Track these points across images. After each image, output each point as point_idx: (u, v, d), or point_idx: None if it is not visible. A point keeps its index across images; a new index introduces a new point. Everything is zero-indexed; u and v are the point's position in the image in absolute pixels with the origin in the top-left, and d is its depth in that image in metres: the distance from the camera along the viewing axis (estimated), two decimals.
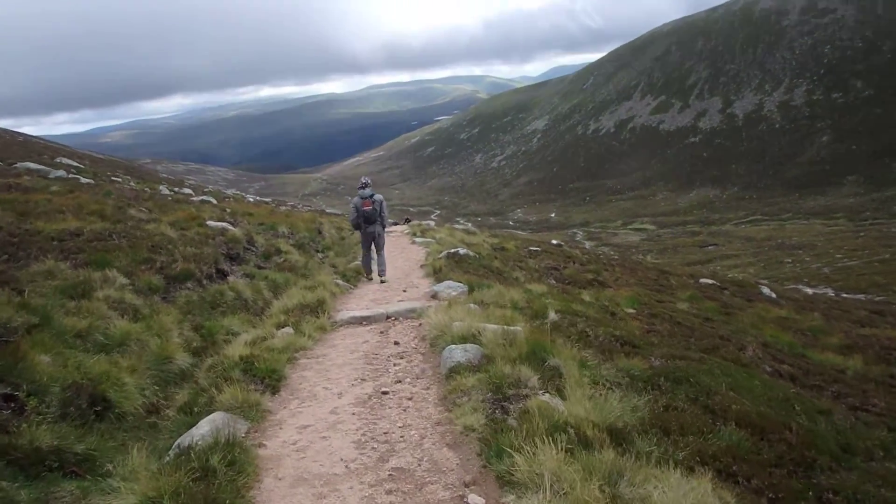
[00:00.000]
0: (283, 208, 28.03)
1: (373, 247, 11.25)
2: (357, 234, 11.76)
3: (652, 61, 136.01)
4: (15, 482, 3.48)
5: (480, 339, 6.02)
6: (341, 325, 7.50)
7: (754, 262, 46.21)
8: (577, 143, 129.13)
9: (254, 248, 10.63)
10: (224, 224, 10.99)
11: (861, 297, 27.97)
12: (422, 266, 12.41)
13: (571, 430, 4.33)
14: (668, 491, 3.69)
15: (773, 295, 18.31)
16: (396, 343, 6.66)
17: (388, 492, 3.61)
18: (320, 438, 4.29)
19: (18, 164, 17.51)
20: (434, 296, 8.84)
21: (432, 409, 4.81)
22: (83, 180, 15.92)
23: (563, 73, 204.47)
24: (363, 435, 4.35)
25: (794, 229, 62.45)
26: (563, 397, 5.03)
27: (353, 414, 4.71)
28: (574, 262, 16.64)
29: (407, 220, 33.06)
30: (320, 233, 15.12)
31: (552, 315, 8.27)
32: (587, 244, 58.93)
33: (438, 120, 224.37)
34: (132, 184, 19.48)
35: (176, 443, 3.96)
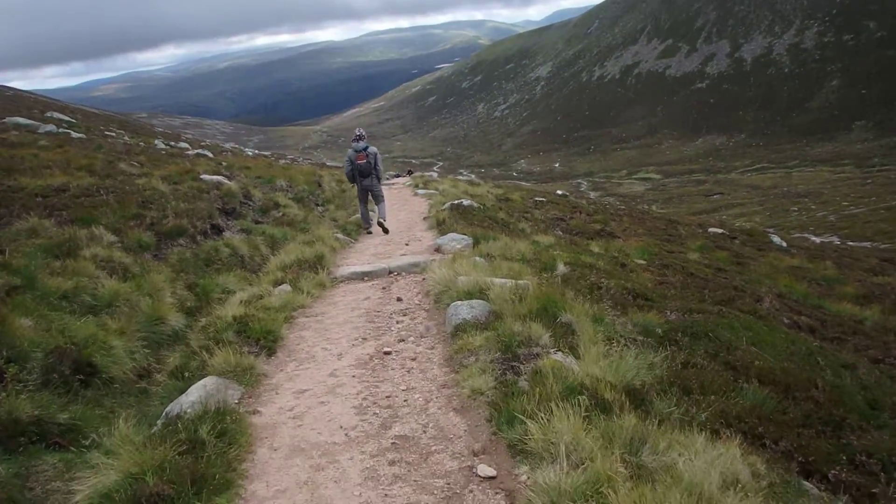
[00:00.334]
0: (282, 162, 27.47)
1: (371, 200, 11.19)
2: (355, 187, 11.63)
3: (659, 3, 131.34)
4: None
5: (487, 294, 5.68)
6: (342, 281, 7.18)
7: (760, 211, 45.64)
8: (581, 91, 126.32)
9: (250, 203, 10.24)
10: (219, 178, 10.56)
11: (867, 244, 27.58)
12: (425, 218, 12.03)
13: (587, 393, 4.04)
14: (695, 458, 3.40)
15: (784, 244, 17.93)
16: (399, 299, 6.35)
17: (391, 462, 3.33)
18: (319, 404, 4.00)
19: (7, 120, 16.94)
20: (438, 249, 8.48)
21: (437, 370, 4.52)
22: (74, 135, 15.41)
23: (566, 17, 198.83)
24: (364, 399, 4.06)
25: (801, 177, 61.53)
26: (576, 356, 4.73)
27: (354, 377, 4.41)
28: (580, 213, 16.22)
29: (409, 172, 32.47)
30: (320, 186, 14.69)
31: (561, 267, 7.93)
32: (592, 194, 58.28)
33: (439, 68, 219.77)
34: (126, 138, 18.96)
35: (165, 411, 3.68)
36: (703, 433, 3.82)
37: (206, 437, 3.25)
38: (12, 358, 3.99)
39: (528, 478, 3.14)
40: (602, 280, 7.63)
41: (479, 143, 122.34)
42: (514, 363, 4.54)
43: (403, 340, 5.16)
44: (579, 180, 76.18)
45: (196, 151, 17.27)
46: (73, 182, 7.38)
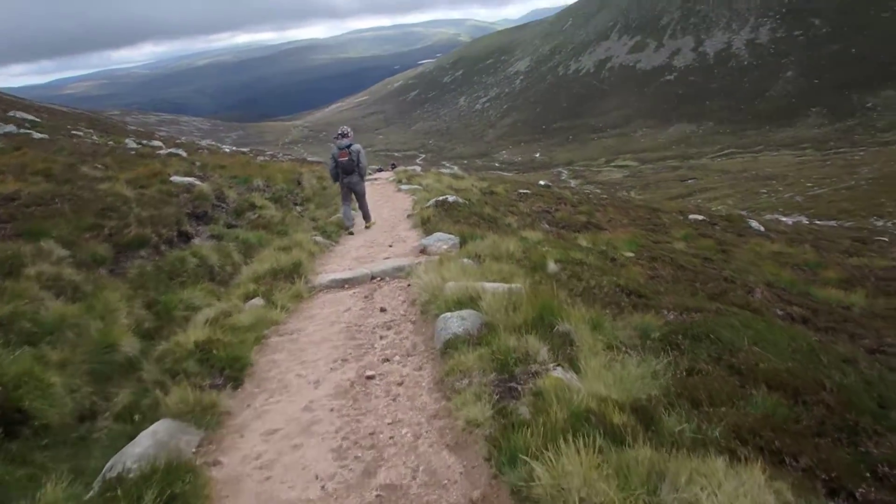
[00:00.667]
0: (260, 159, 26.45)
1: (353, 198, 10.70)
2: (337, 184, 11.08)
3: (628, 2, 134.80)
4: None
5: (478, 302, 5.04)
6: (320, 290, 6.48)
7: (732, 194, 45.79)
8: (558, 84, 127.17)
9: (224, 205, 9.47)
10: (191, 179, 9.76)
11: (833, 223, 27.57)
12: (409, 216, 11.32)
13: (595, 418, 3.47)
14: (718, 492, 2.86)
15: (762, 228, 17.58)
16: (383, 310, 5.68)
17: None
18: (291, 448, 3.33)
19: None
20: (423, 250, 7.80)
21: (427, 396, 3.88)
22: (36, 136, 14.35)
23: (542, 16, 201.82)
24: (344, 439, 3.41)
25: (767, 161, 62.10)
26: (577, 370, 4.15)
27: (332, 410, 3.74)
28: (565, 204, 15.65)
29: (393, 166, 31.56)
30: (300, 184, 13.89)
31: (552, 266, 7.33)
32: (573, 182, 58.06)
33: (421, 64, 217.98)
34: (94, 138, 17.85)
35: (106, 466, 3.02)
36: (722, 456, 3.29)
37: None
38: None
39: None
40: (594, 278, 7.06)
41: (462, 134, 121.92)
42: (512, 384, 3.93)
43: (388, 360, 4.51)
44: (560, 169, 76.10)
45: (169, 150, 16.27)
46: (26, 189, 6.56)
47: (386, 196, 15.14)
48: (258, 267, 6.67)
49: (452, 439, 3.39)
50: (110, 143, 16.29)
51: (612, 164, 76.34)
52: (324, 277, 6.79)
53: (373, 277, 6.79)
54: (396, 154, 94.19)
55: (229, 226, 8.62)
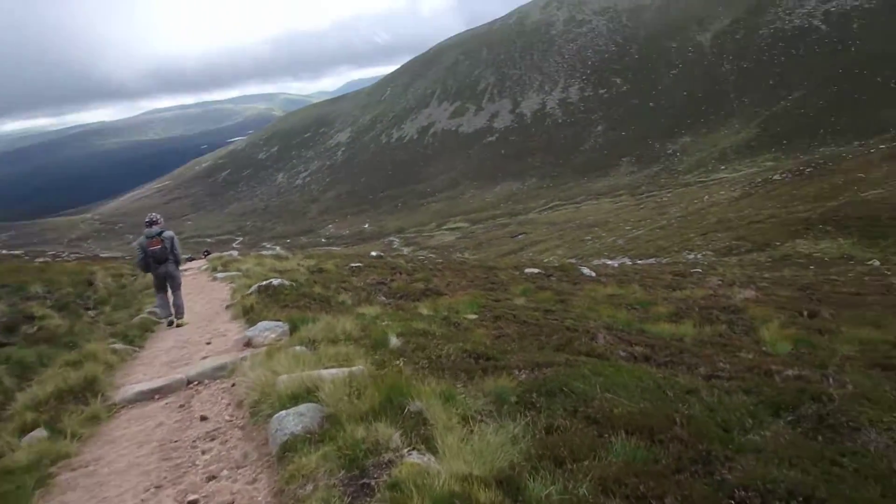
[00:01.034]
0: (39, 261, 23.61)
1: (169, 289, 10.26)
2: (148, 276, 10.68)
3: (444, 71, 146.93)
4: None
5: (317, 393, 4.75)
6: (124, 407, 5.69)
7: (561, 244, 49.96)
8: (382, 152, 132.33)
9: None
10: None
11: (652, 260, 31.10)
12: (228, 307, 10.63)
13: (459, 502, 3.36)
14: None
15: (593, 273, 19.16)
16: (204, 418, 5.11)
17: None
18: None
19: None
20: (248, 343, 7.29)
21: None
22: None
23: (359, 87, 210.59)
24: None
25: (588, 209, 69.14)
26: (434, 450, 4.03)
27: None
28: (401, 273, 15.83)
29: (206, 254, 29.82)
30: (91, 285, 12.48)
31: (394, 340, 7.25)
32: (406, 250, 59.52)
33: (232, 141, 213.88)
34: None
35: None
36: None
37: None
38: None
39: None
40: (440, 347, 7.09)
41: (282, 213, 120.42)
42: (365, 480, 3.67)
43: (215, 478, 4.01)
44: (391, 238, 77.79)
45: None
46: None
47: (199, 287, 14.16)
48: (39, 390, 5.70)
49: None
50: None
51: (444, 227, 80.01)
52: (127, 390, 6.00)
53: (189, 382, 6.14)
54: (209, 240, 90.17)
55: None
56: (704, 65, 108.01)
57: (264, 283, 11.78)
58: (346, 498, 3.41)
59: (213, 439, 4.65)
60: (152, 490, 3.95)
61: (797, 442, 5.53)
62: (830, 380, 7.07)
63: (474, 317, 10.42)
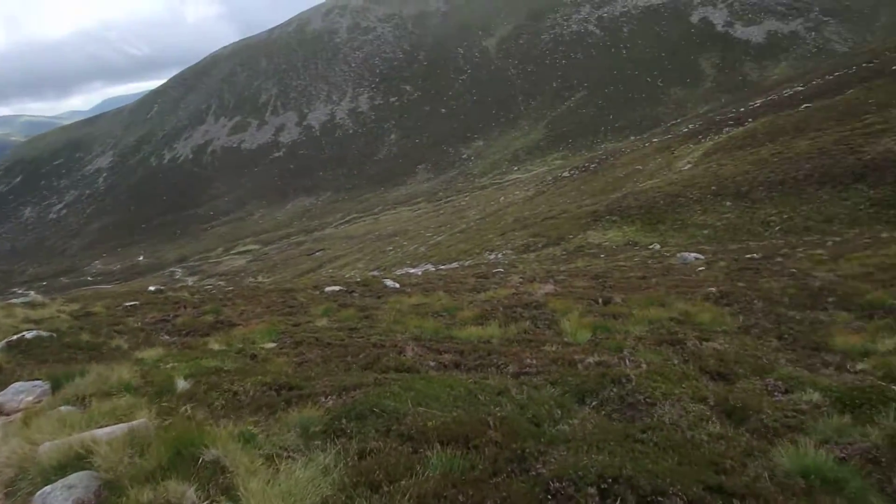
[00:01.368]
0: None
1: None
2: None
3: (219, 83, 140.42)
4: None
5: (91, 459, 4.14)
6: None
7: (361, 258, 50.37)
8: (153, 176, 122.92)
9: None
10: None
11: (455, 265, 32.61)
12: None
13: None
14: None
15: (397, 284, 19.42)
16: None
17: None
18: None
19: None
20: None
21: None
22: None
23: (120, 104, 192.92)
24: None
25: (388, 220, 70.65)
26: (236, 500, 3.77)
27: None
28: (185, 307, 14.62)
29: None
30: None
31: (182, 384, 6.63)
32: (190, 280, 55.82)
33: None
34: None
35: None
36: None
37: None
38: None
39: None
40: (237, 383, 6.60)
41: (35, 252, 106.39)
42: None
43: None
44: (172, 269, 72.56)
45: None
46: None
47: None
48: None
49: None
50: None
51: (233, 251, 76.64)
52: None
53: None
54: None
55: None
56: (492, 69, 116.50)
57: (15, 337, 10.21)
58: None
59: None
60: None
61: (603, 425, 5.98)
62: (627, 361, 7.79)
63: (273, 345, 9.94)
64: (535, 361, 8.85)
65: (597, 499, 4.42)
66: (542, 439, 5.74)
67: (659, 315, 10.71)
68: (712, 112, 66.31)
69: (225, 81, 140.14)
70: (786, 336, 9.95)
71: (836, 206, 25.51)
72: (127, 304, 15.64)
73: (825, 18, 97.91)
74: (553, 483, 4.83)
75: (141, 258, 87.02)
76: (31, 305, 17.09)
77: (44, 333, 10.70)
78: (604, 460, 4.95)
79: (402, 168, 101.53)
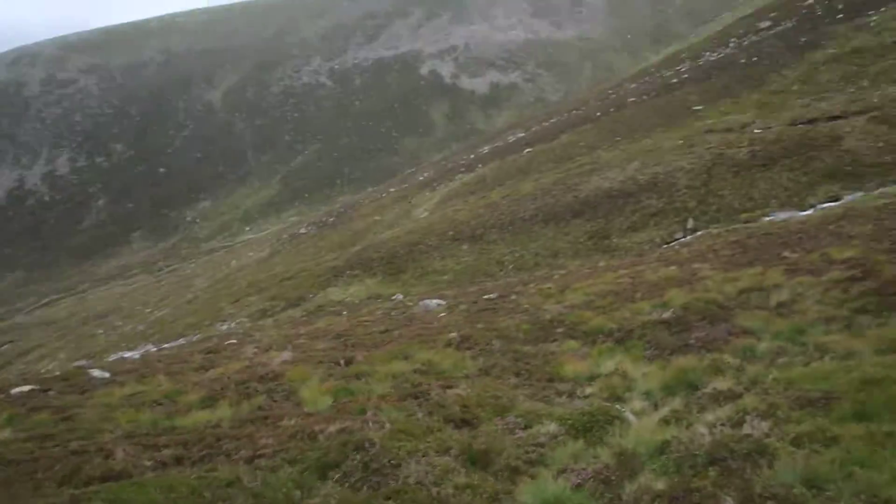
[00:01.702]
0: None
1: None
2: None
3: None
4: None
5: None
6: None
7: (63, 346, 44.78)
8: None
9: None
10: None
11: (182, 341, 30.27)
12: None
13: None
14: None
15: (107, 374, 17.18)
16: None
17: None
18: None
19: None
20: None
21: None
22: None
23: None
24: None
25: (97, 298, 63.77)
26: None
27: None
28: None
29: None
30: None
31: None
32: None
33: None
34: None
35: None
36: None
37: None
38: None
39: None
40: None
41: None
42: None
43: None
44: None
45: None
46: None
47: None
48: None
49: None
50: None
51: None
52: None
53: None
54: None
55: None
56: (218, 124, 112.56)
57: None
58: None
59: None
60: None
61: (347, 499, 5.70)
62: (370, 423, 7.63)
63: None
64: (271, 441, 8.30)
65: None
66: None
67: (402, 368, 10.82)
68: (445, 160, 71.56)
69: None
70: (523, 372, 10.65)
71: (560, 240, 28.81)
72: None
73: (539, 71, 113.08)
74: None
75: None
76: None
77: None
78: None
79: (114, 237, 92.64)
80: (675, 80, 52.32)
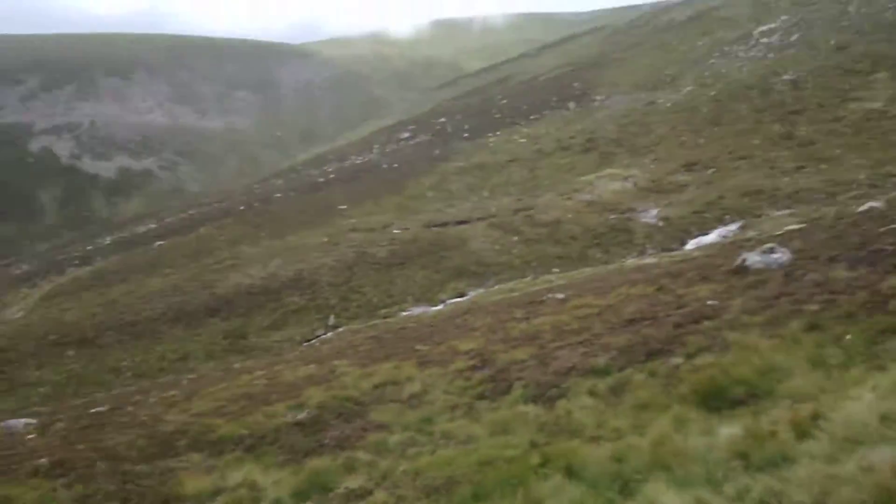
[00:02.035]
0: None
1: None
2: None
3: None
4: None
5: None
6: None
7: None
8: None
9: None
10: None
11: None
12: None
13: None
14: None
15: None
16: None
17: None
18: None
19: None
20: None
21: None
22: None
23: None
24: None
25: None
26: None
27: None
28: None
29: None
30: None
31: None
32: None
33: None
34: None
35: None
36: None
37: None
38: None
39: None
40: None
41: None
42: None
43: None
44: None
45: None
46: None
47: None
48: None
49: None
50: None
51: None
52: None
53: None
54: None
55: None
56: None
57: None
58: None
59: None
60: None
61: None
62: None
63: None
64: None
65: None
66: None
67: None
68: (55, 251, 63.79)
69: None
70: (133, 497, 9.40)
71: (192, 342, 27.08)
72: None
73: (178, 159, 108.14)
74: None
75: None
76: None
77: None
78: None
79: None
80: (321, 180, 55.09)
